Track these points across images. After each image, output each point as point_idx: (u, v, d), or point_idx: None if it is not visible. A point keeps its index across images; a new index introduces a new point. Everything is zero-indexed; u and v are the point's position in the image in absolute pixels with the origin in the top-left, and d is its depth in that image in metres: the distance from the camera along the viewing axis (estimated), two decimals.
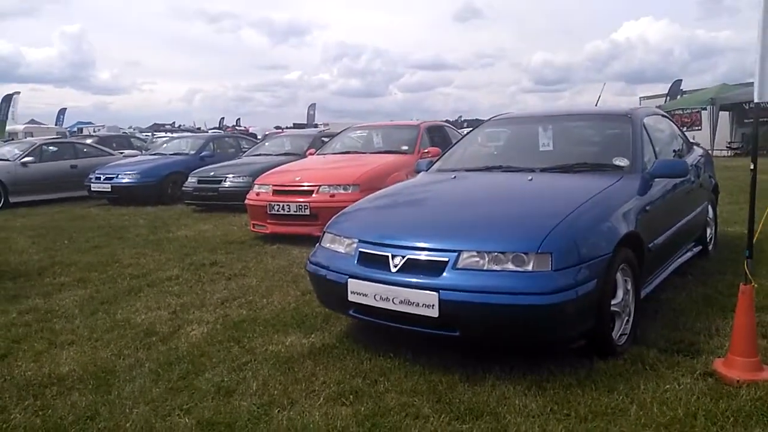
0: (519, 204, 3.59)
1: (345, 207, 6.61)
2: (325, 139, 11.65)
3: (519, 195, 3.76)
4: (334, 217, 3.98)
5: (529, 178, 3.93)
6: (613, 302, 3.30)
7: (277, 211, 6.91)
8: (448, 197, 3.88)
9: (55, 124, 49.47)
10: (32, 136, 35.97)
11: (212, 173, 10.44)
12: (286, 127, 69.16)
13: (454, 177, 4.26)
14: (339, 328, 4.01)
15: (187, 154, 12.86)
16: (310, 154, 8.71)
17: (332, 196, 6.72)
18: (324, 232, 3.89)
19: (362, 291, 3.29)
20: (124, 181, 11.62)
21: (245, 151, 13.07)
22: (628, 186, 3.80)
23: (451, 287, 2.99)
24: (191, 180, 10.56)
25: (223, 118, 69.01)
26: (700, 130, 22.75)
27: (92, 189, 11.86)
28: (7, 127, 42.56)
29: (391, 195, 4.30)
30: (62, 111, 52.50)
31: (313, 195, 6.79)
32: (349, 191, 6.76)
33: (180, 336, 4.01)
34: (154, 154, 13.29)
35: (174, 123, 64.92)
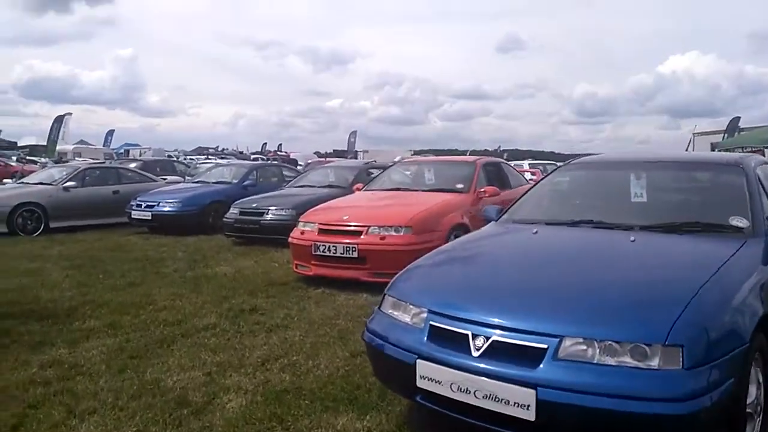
0: (629, 275, 2.94)
1: (396, 250, 6.18)
2: (372, 171, 11.21)
3: (624, 261, 3.12)
4: (397, 276, 3.41)
5: (632, 238, 3.31)
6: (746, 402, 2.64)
7: (323, 251, 6.39)
8: (535, 258, 3.26)
9: (103, 145, 50.61)
10: (81, 157, 36.80)
11: (254, 204, 10.03)
12: (326, 153, 69.68)
13: (536, 232, 3.66)
14: (399, 408, 3.42)
15: (229, 182, 12.54)
16: (357, 189, 8.20)
17: (382, 238, 6.18)
18: (385, 295, 3.32)
19: (434, 377, 2.70)
20: (165, 209, 11.32)
21: (288, 181, 12.70)
22: (754, 253, 3.14)
23: (554, 384, 2.38)
24: (233, 211, 10.17)
25: (265, 143, 69.98)
26: None
27: (133, 216, 11.59)
28: (58, 147, 43.64)
29: (464, 250, 3.71)
30: (110, 132, 53.79)
31: (362, 236, 6.25)
32: (401, 233, 6.20)
33: (215, 409, 3.47)
34: (197, 182, 13.02)
35: (218, 147, 65.93)
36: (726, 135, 25.03)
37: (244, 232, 9.89)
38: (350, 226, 6.39)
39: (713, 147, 28.29)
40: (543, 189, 4.49)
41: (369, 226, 6.28)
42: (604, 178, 4.36)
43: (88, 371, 4.09)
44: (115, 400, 3.60)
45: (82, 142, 50.51)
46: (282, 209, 9.64)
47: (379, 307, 3.34)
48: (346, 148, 64.16)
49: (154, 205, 11.45)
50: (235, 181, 12.52)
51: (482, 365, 2.57)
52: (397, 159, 39.07)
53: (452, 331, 2.75)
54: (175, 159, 25.52)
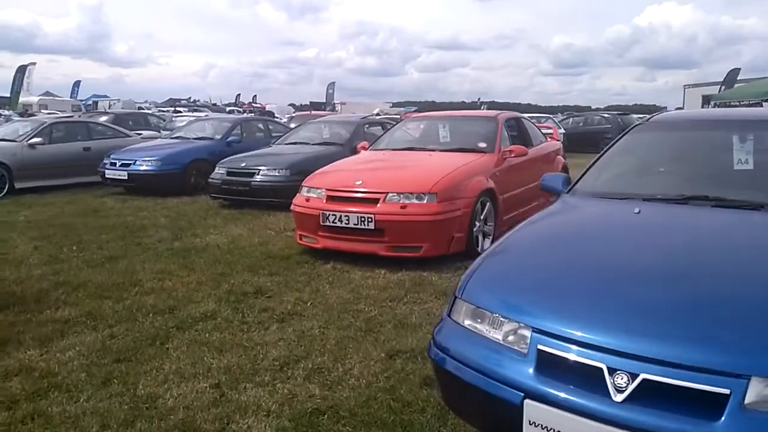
0: None
1: (419, 221, 5.39)
2: (370, 128, 10.32)
3: None
4: (471, 274, 2.62)
5: None
6: None
7: (333, 222, 5.56)
8: (664, 253, 2.43)
9: (70, 97, 48.32)
10: (47, 109, 34.85)
11: (243, 164, 9.11)
12: (301, 105, 67.75)
13: (638, 211, 2.88)
14: None
15: (212, 138, 11.52)
16: (362, 148, 7.32)
17: (403, 207, 5.37)
18: (456, 299, 2.54)
19: (554, 426, 1.96)
20: (142, 168, 10.32)
21: (276, 137, 11.74)
22: None
23: None
24: (219, 171, 9.24)
25: (239, 94, 67.94)
26: None
27: (107, 176, 10.58)
28: (21, 99, 41.48)
29: (553, 238, 2.89)
30: (77, 83, 51.36)
31: (378, 205, 5.43)
32: (424, 201, 5.40)
33: None
34: (176, 138, 11.96)
35: (190, 98, 63.67)
36: (723, 87, 24.43)
37: (233, 194, 8.99)
38: (365, 192, 5.56)
39: (705, 100, 27.73)
40: (621, 153, 3.69)
41: (387, 193, 5.46)
42: (698, 140, 3.57)
43: (64, 383, 3.28)
44: (101, 429, 2.81)
45: (47, 93, 48.14)
46: (275, 169, 8.75)
47: (448, 314, 2.56)
48: (323, 100, 62.48)
49: (130, 164, 10.44)
50: (218, 136, 11.50)
51: (629, 415, 1.83)
52: (375, 111, 37.92)
53: (576, 362, 1.99)
54: (148, 111, 24.10)
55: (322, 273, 5.41)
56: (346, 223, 5.50)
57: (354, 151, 9.40)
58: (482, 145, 6.59)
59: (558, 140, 8.83)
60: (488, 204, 5.96)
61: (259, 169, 8.82)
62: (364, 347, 3.74)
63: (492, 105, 66.74)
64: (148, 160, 10.37)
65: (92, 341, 3.86)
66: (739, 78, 25.41)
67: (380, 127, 10.84)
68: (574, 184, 3.56)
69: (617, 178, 3.46)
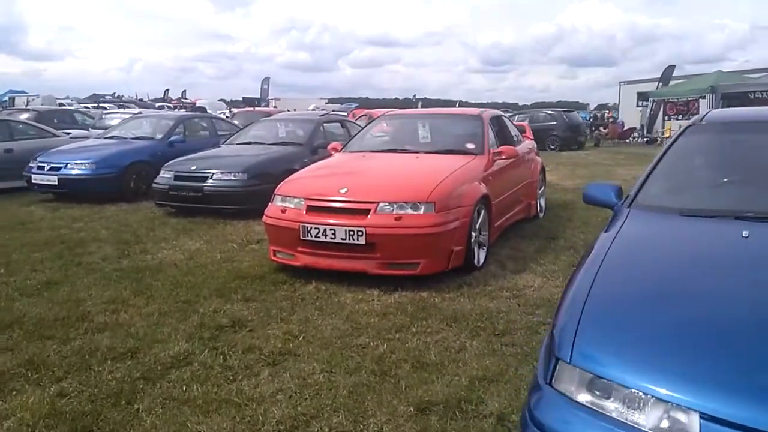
0: None
1: (417, 234, 4.74)
2: (329, 126, 9.61)
3: None
4: (570, 319, 1.99)
5: None
6: None
7: (316, 236, 4.85)
8: None
9: None
10: None
11: (193, 167, 8.21)
12: (232, 101, 65.62)
13: (747, 235, 2.34)
14: None
15: (152, 138, 10.48)
16: (334, 150, 6.60)
17: (398, 218, 4.71)
18: (558, 360, 1.92)
19: None
20: (74, 172, 9.21)
21: (222, 136, 10.83)
22: None
23: None
24: (165, 175, 8.30)
25: (167, 89, 65.31)
26: None
27: (34, 181, 9.40)
28: None
29: (662, 273, 2.25)
30: None
31: (369, 216, 4.76)
32: (421, 211, 4.77)
33: None
34: (110, 138, 10.83)
35: (114, 93, 60.65)
36: (660, 84, 24.93)
37: (182, 201, 8.07)
38: (352, 202, 4.87)
39: (640, 96, 28.34)
40: (682, 158, 3.18)
41: (377, 203, 4.79)
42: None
43: None
44: None
45: None
46: (230, 173, 7.91)
47: (549, 381, 1.93)
48: (256, 96, 60.80)
49: (60, 167, 9.31)
50: (158, 136, 10.48)
51: None
52: (311, 107, 36.81)
53: None
54: (73, 108, 22.38)
55: (306, 296, 4.69)
56: (331, 238, 4.80)
57: (314, 152, 8.74)
58: (470, 146, 6.01)
59: (532, 138, 8.37)
60: (483, 211, 5.39)
61: (212, 173, 7.95)
62: (385, 398, 3.07)
63: (425, 102, 66.86)
64: (81, 163, 9.27)
65: (37, 403, 3.03)
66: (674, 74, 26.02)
67: (339, 125, 10.14)
68: (635, 196, 3.01)
69: (691, 188, 2.95)
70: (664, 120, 23.98)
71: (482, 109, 6.89)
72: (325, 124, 9.59)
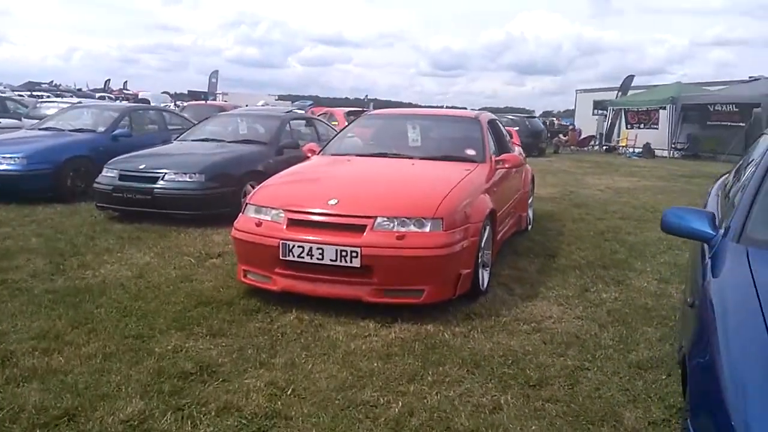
0: None
1: (422, 257, 3.97)
2: (295, 123, 8.75)
3: None
4: None
5: None
6: None
7: (299, 256, 4.02)
8: None
9: None
10: None
11: (142, 165, 7.21)
12: (176, 94, 63.23)
13: None
14: None
15: (93, 130, 9.35)
16: (311, 152, 5.75)
17: (400, 237, 3.94)
18: None
19: None
20: (1, 167, 8.03)
21: (174, 131, 9.80)
22: None
23: None
24: (109, 174, 7.26)
25: (108, 80, 62.59)
26: (657, 129, 21.62)
27: None
28: None
29: None
30: None
31: (365, 233, 3.97)
32: (427, 229, 4.01)
33: None
34: (46, 129, 9.62)
35: (52, 82, 57.60)
36: (620, 93, 24.96)
37: (128, 204, 7.06)
38: (344, 216, 4.06)
39: (596, 105, 28.44)
40: None
41: (375, 218, 4.01)
42: None
43: None
44: None
45: None
46: (184, 173, 6.95)
47: None
48: (205, 90, 58.85)
49: None
50: (101, 129, 9.35)
51: None
52: (260, 104, 35.60)
53: None
54: (5, 95, 20.57)
55: (287, 330, 3.86)
56: (318, 259, 3.98)
57: (279, 153, 7.89)
58: (470, 152, 5.29)
59: (519, 145, 7.76)
60: (488, 228, 4.68)
61: (164, 173, 6.98)
62: None
63: (376, 103, 66.24)
64: (10, 158, 8.08)
65: None
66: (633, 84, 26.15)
67: (306, 123, 9.28)
68: (742, 228, 2.34)
69: None
70: (620, 129, 24.04)
71: (479, 111, 6.20)
72: (291, 122, 8.70)
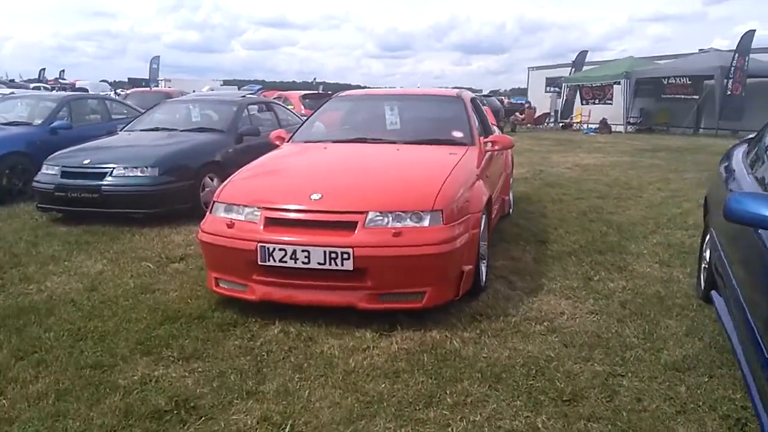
0: None
1: (422, 255, 3.48)
2: (253, 108, 8.14)
3: None
4: None
5: None
6: None
7: (281, 260, 3.50)
8: None
9: None
10: None
11: (86, 160, 6.50)
12: (114, 81, 60.68)
13: None
14: None
15: (28, 123, 8.52)
16: (279, 139, 5.18)
17: (396, 234, 3.46)
18: None
19: None
20: None
21: (119, 121, 9.03)
22: None
23: None
24: (49, 171, 6.53)
25: (43, 69, 59.73)
26: (612, 104, 21.66)
27: None
28: None
29: None
30: None
31: (357, 231, 3.48)
32: (426, 224, 3.54)
33: None
34: None
35: None
36: (573, 69, 24.95)
37: (72, 204, 6.35)
38: (331, 213, 3.55)
39: (549, 82, 28.43)
40: None
41: (366, 213, 3.52)
42: None
43: None
44: None
45: None
46: (135, 168, 6.28)
47: None
48: (146, 77, 56.68)
49: None
50: (37, 121, 8.52)
51: None
52: (205, 89, 34.23)
53: None
54: None
55: (274, 347, 3.34)
56: (304, 263, 3.47)
57: (239, 141, 7.30)
58: (457, 134, 4.84)
59: (496, 124, 7.35)
60: (484, 217, 4.24)
61: (112, 168, 6.29)
62: None
63: (325, 86, 65.22)
64: None
65: None
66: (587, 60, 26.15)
67: (264, 108, 8.65)
68: None
69: None
70: (574, 105, 24.05)
71: (459, 90, 5.73)
72: (249, 107, 8.07)
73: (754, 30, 18.97)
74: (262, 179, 4.21)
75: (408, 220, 3.53)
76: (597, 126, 21.50)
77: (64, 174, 6.39)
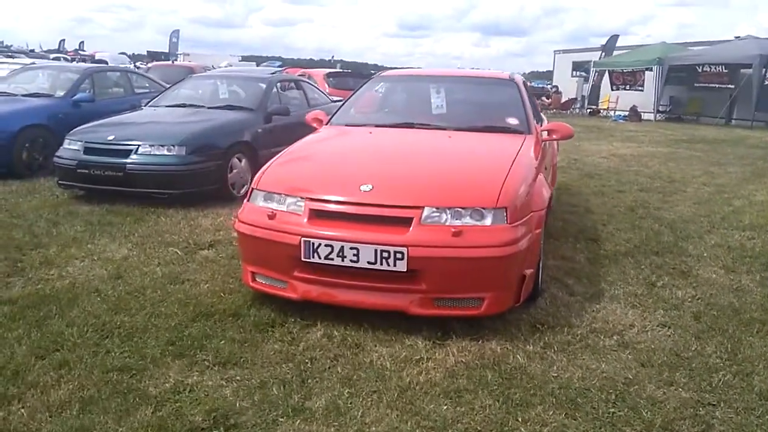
0: None
1: (485, 257, 3.08)
2: (282, 86, 7.78)
3: None
4: None
5: None
6: None
7: (326, 258, 3.17)
8: None
9: None
10: None
11: (110, 136, 6.19)
12: (133, 54, 60.34)
13: None
14: None
15: (50, 95, 8.22)
16: (317, 121, 4.82)
17: (456, 233, 3.11)
18: None
19: None
20: None
21: (142, 95, 8.73)
22: None
23: None
24: (71, 146, 6.24)
25: (63, 40, 59.69)
26: (642, 90, 21.01)
27: None
28: None
29: None
30: None
31: (411, 228, 3.13)
32: (488, 222, 3.18)
33: None
34: None
35: (2, 42, 54.45)
36: (603, 54, 24.24)
37: (95, 182, 6.05)
38: (383, 207, 3.21)
39: (576, 66, 27.73)
40: None
41: (422, 208, 3.17)
42: None
43: None
44: None
45: None
46: (161, 146, 5.97)
47: None
48: (165, 50, 56.37)
49: None
50: (60, 93, 8.23)
51: None
52: (223, 64, 33.77)
53: None
54: None
55: (318, 354, 3.02)
56: (352, 261, 3.14)
57: (268, 120, 6.97)
58: (513, 121, 4.46)
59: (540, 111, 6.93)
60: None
61: (137, 145, 5.98)
62: None
63: (343, 64, 64.57)
64: None
65: None
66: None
67: (294, 86, 8.29)
68: None
69: None
70: (603, 91, 23.41)
71: (510, 73, 5.32)
72: (280, 84, 7.71)
73: None
74: (304, 166, 3.86)
75: (468, 217, 3.18)
76: (626, 113, 20.89)
77: (87, 150, 6.10)
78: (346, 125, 4.63)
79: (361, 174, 3.47)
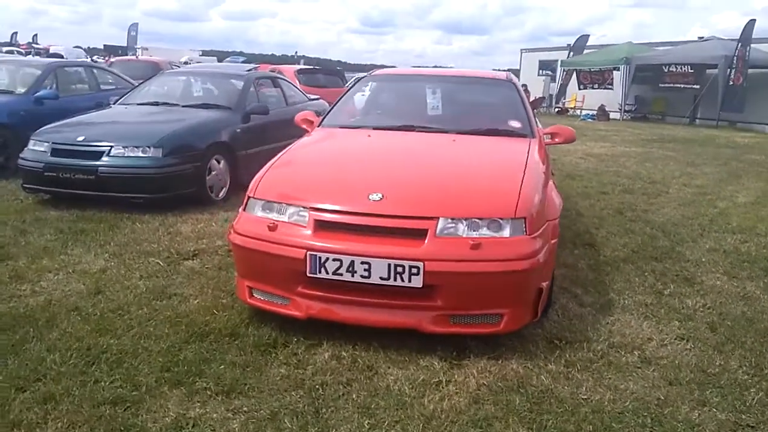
0: None
1: (503, 272, 2.89)
2: (259, 84, 7.49)
3: None
4: None
5: None
6: None
7: (335, 273, 2.94)
8: None
9: None
10: None
11: (80, 137, 5.81)
12: (88, 48, 58.56)
13: None
14: None
15: (10, 92, 7.75)
16: (307, 122, 4.56)
17: (475, 246, 2.91)
18: None
19: None
20: None
21: (108, 92, 8.32)
22: None
23: None
24: (37, 147, 5.84)
25: (15, 32, 57.63)
26: (612, 89, 21.22)
27: None
28: None
29: None
30: None
31: (427, 241, 2.92)
32: (506, 234, 3.00)
33: None
34: None
35: None
36: (572, 53, 24.38)
37: (64, 186, 5.67)
38: (396, 218, 2.99)
39: (542, 65, 27.92)
40: None
41: (436, 219, 2.97)
42: None
43: None
44: None
45: None
46: (136, 147, 5.62)
47: None
48: (123, 44, 54.82)
49: None
50: (20, 89, 7.76)
51: None
52: (183, 60, 32.83)
53: None
54: None
55: (329, 379, 2.79)
56: (363, 277, 2.91)
57: (246, 119, 6.68)
58: (515, 124, 4.29)
59: None
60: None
61: (110, 147, 5.62)
62: None
63: (306, 60, 63.96)
64: None
65: None
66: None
67: (271, 83, 7.98)
68: None
69: None
70: (569, 90, 23.59)
71: (505, 72, 5.16)
72: (259, 80, 7.40)
73: (755, 20, 18.62)
74: (305, 172, 3.60)
75: (485, 228, 2.99)
76: (594, 112, 21.08)
77: (55, 152, 5.71)
78: (340, 127, 4.39)
79: (367, 181, 3.25)
